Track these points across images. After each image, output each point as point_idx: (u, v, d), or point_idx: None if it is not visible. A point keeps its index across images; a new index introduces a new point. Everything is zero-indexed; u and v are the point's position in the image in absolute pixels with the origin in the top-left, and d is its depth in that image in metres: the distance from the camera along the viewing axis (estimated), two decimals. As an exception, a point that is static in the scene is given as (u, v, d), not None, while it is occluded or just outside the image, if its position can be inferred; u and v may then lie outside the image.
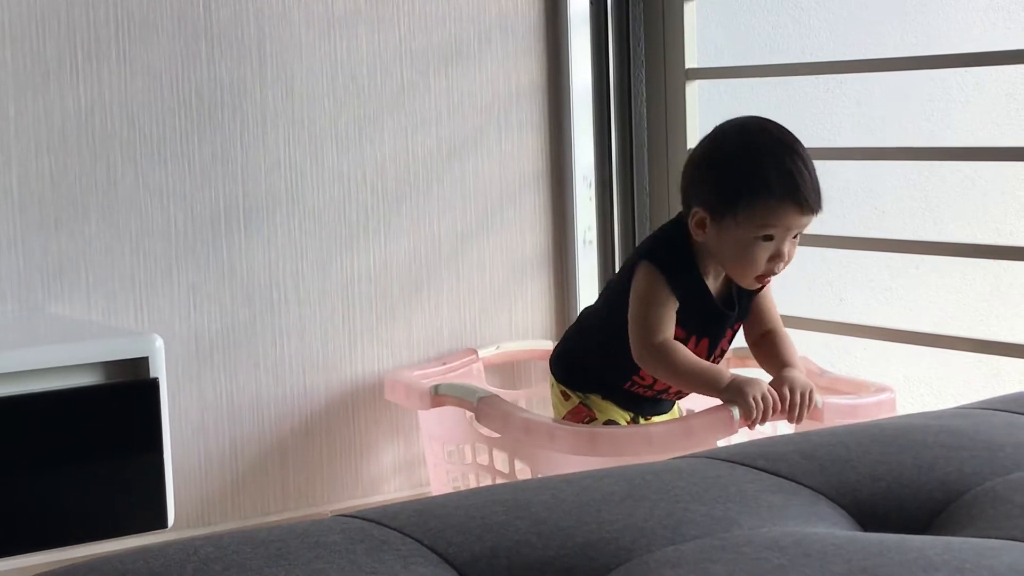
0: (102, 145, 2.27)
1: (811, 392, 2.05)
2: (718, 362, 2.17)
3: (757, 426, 2.03)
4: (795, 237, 2.05)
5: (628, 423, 2.18)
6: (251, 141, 2.40)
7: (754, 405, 2.00)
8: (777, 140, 2.05)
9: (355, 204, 2.50)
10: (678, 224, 2.12)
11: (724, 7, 2.83)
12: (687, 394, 2.20)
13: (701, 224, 2.05)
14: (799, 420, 2.05)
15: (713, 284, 2.11)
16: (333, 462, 2.52)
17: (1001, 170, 3.18)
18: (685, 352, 2.05)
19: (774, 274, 2.06)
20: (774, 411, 2.02)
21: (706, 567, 0.95)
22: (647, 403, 2.20)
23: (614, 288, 2.18)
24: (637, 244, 2.58)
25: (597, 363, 2.17)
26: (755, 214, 2.01)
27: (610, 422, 2.17)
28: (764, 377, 2.13)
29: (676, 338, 2.07)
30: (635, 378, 2.14)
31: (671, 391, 2.17)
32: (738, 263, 2.05)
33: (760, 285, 2.09)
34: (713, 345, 2.13)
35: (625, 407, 2.19)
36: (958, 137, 3.11)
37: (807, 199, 2.01)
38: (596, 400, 2.18)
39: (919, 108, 3.09)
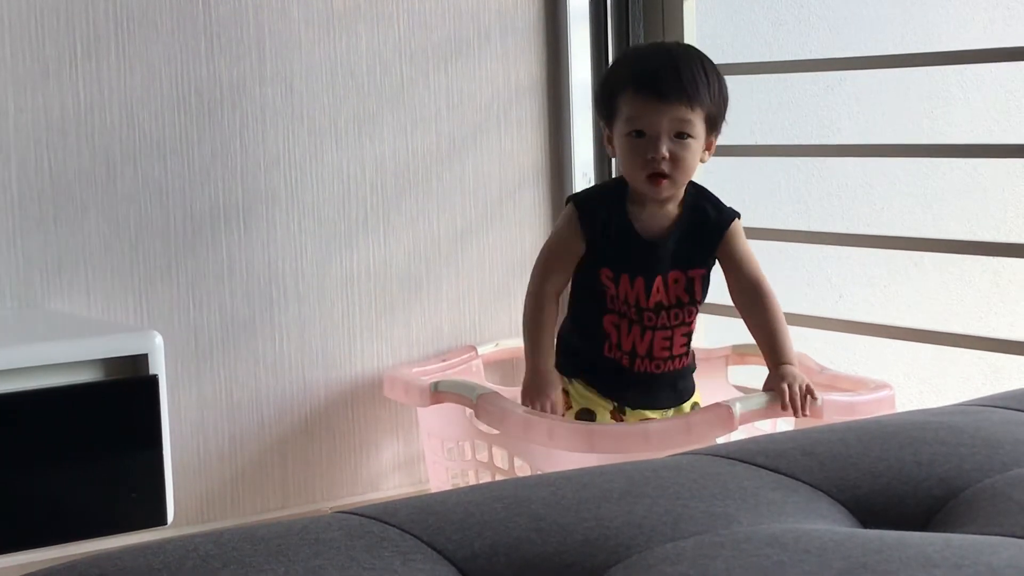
0: (101, 142, 2.27)
1: (809, 386, 2.06)
2: (680, 317, 2.12)
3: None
4: (680, 136, 2.05)
5: (611, 414, 2.17)
6: (250, 138, 2.40)
7: (530, 402, 2.12)
8: (653, 45, 2.18)
9: (354, 201, 2.50)
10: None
11: (724, 3, 2.83)
12: (666, 371, 2.16)
13: (608, 140, 2.14)
14: (801, 413, 2.05)
15: (648, 220, 2.10)
16: (332, 459, 2.52)
17: (1001, 167, 3.18)
18: (543, 319, 2.13)
19: (662, 174, 2.05)
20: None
21: (705, 564, 0.95)
22: (635, 385, 2.16)
23: None
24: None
25: (576, 339, 2.18)
26: (622, 111, 2.08)
27: (584, 411, 2.16)
28: (759, 376, 2.14)
29: (608, 277, 2.10)
30: (608, 344, 2.13)
31: (661, 365, 2.14)
32: (626, 166, 2.11)
33: (655, 188, 2.07)
34: (649, 284, 2.10)
35: (609, 392, 2.16)
36: (958, 134, 3.11)
37: (662, 85, 2.05)
38: (578, 388, 2.17)
39: (919, 105, 3.09)
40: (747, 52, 2.84)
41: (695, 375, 2.22)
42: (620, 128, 2.08)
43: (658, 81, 2.05)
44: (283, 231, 2.44)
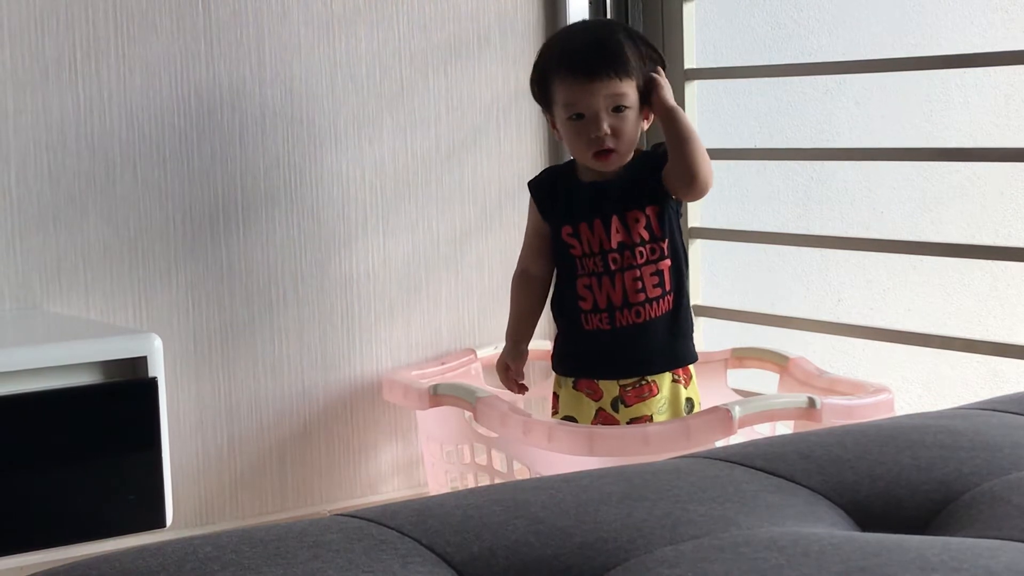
0: (101, 144, 2.27)
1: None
2: (644, 255, 2.14)
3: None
4: (618, 110, 2.09)
5: (596, 414, 2.17)
6: (250, 140, 2.40)
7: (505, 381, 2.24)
8: (574, 25, 2.23)
9: (354, 203, 2.50)
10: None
11: (723, 7, 2.83)
12: (665, 316, 2.15)
13: (553, 125, 2.19)
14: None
15: (596, 176, 2.17)
16: (331, 462, 2.52)
17: (999, 171, 3.18)
18: (522, 296, 2.24)
19: (606, 147, 2.11)
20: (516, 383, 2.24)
21: (704, 567, 0.95)
22: (624, 348, 2.14)
23: None
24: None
25: (559, 320, 2.24)
26: (557, 97, 2.13)
27: (567, 418, 2.18)
28: (759, 380, 2.13)
29: (569, 235, 2.16)
30: (583, 311, 2.16)
31: (641, 311, 2.13)
32: (571, 147, 2.17)
33: (603, 161, 2.13)
34: (607, 225, 2.14)
35: (603, 372, 2.16)
36: (957, 138, 3.11)
37: (587, 64, 2.09)
38: (566, 391, 2.20)
39: (918, 108, 3.09)
40: (747, 56, 2.85)
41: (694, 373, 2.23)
42: (559, 113, 2.14)
43: (585, 61, 2.10)
44: (282, 233, 2.44)
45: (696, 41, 2.69)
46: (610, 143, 2.10)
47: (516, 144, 2.67)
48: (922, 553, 0.96)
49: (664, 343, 2.16)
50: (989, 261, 3.02)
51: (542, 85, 2.17)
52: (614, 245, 2.13)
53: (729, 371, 2.53)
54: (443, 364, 2.57)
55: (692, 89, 2.67)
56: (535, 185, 2.24)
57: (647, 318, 2.14)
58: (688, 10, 2.66)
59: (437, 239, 2.60)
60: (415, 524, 1.04)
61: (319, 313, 2.48)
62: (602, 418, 2.17)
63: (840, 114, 2.99)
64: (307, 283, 2.47)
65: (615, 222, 2.14)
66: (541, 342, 2.69)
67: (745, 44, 2.86)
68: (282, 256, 2.44)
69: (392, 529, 1.03)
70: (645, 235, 2.14)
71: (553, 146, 2.70)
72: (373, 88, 2.51)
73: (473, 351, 2.62)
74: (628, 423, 2.15)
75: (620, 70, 2.09)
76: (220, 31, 2.36)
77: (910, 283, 3.10)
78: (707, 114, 2.75)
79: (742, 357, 2.52)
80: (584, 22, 2.34)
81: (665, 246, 2.15)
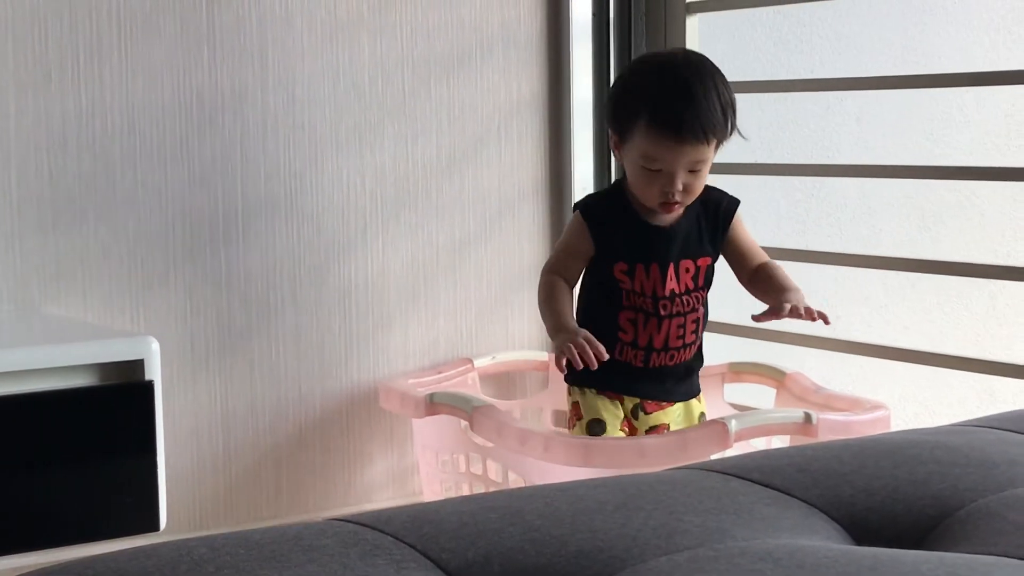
0: (102, 147, 2.27)
1: (819, 311, 2.06)
2: (690, 304, 2.15)
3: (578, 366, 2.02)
4: (694, 170, 2.07)
5: (624, 421, 2.17)
6: (251, 146, 2.40)
7: (575, 348, 2.00)
8: (673, 68, 2.08)
9: (354, 211, 2.50)
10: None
11: (726, 22, 2.83)
12: (679, 361, 2.17)
13: (616, 146, 2.14)
14: (812, 318, 2.04)
15: (653, 215, 2.14)
16: (326, 469, 2.52)
17: (999, 190, 3.19)
18: (558, 293, 2.12)
19: (674, 201, 2.08)
20: (599, 357, 2.00)
21: (699, 577, 0.95)
22: (650, 380, 2.17)
23: None
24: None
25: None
26: (638, 142, 2.07)
27: (594, 422, 2.16)
28: (755, 394, 2.13)
29: (622, 271, 2.12)
30: (618, 338, 2.14)
31: (656, 346, 2.14)
32: (637, 187, 2.11)
33: (667, 211, 2.11)
34: (664, 272, 2.12)
35: (625, 389, 2.17)
36: (957, 156, 3.12)
37: (681, 128, 2.03)
38: (589, 397, 2.18)
39: (919, 127, 3.10)
40: (748, 70, 2.85)
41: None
42: (633, 155, 2.08)
43: (676, 121, 2.03)
44: (282, 239, 2.44)
45: (698, 55, 2.70)
46: (679, 198, 2.08)
47: (517, 155, 2.67)
48: (917, 568, 0.96)
49: (684, 379, 2.21)
50: (987, 280, 3.03)
51: (621, 118, 2.10)
52: (666, 292, 2.13)
53: (726, 385, 2.53)
54: (440, 373, 2.57)
55: (693, 103, 2.67)
56: (588, 212, 2.15)
57: (678, 361, 2.19)
58: (691, 24, 2.66)
59: (436, 248, 2.60)
60: (410, 530, 1.04)
61: (317, 320, 2.48)
62: (624, 423, 2.19)
63: (841, 131, 3.00)
64: (305, 289, 2.47)
65: (671, 269, 2.13)
66: (538, 352, 2.69)
67: (747, 59, 2.87)
68: (281, 262, 2.44)
69: (387, 534, 1.03)
70: (691, 285, 2.16)
71: (555, 158, 2.70)
72: (375, 96, 2.51)
73: (470, 360, 2.62)
74: (647, 431, 2.17)
75: (709, 136, 2.04)
76: (223, 36, 2.36)
77: (908, 300, 3.10)
78: (708, 128, 2.75)
79: (739, 371, 2.52)
80: (677, 61, 2.10)
81: (705, 295, 2.18)
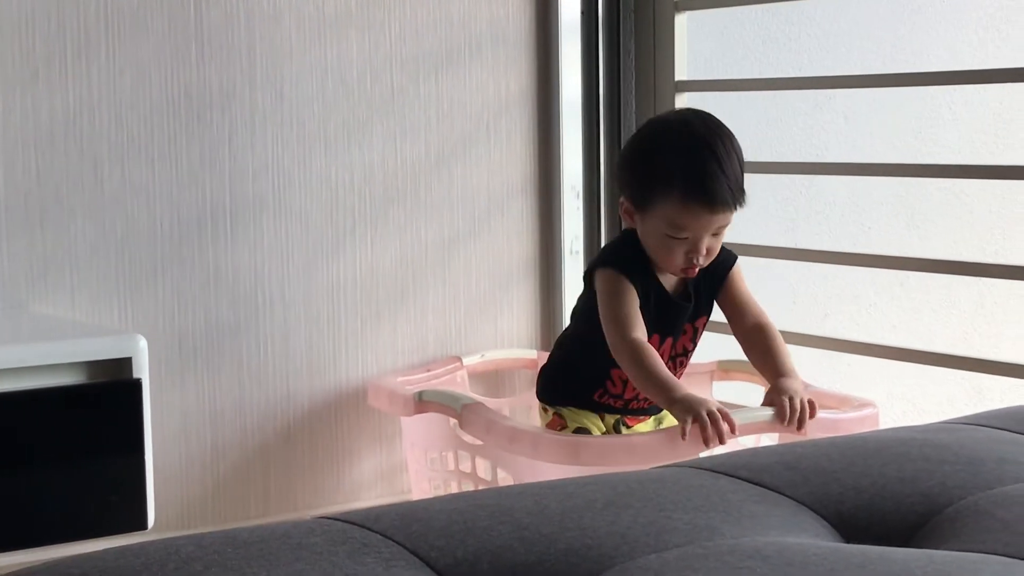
0: (89, 144, 2.27)
1: (810, 400, 2.04)
2: (684, 363, 2.18)
3: (712, 445, 1.95)
4: (716, 234, 2.06)
5: (607, 431, 2.19)
6: (239, 143, 2.39)
7: (707, 420, 1.93)
8: (695, 135, 2.05)
9: (342, 209, 2.50)
10: (627, 229, 2.16)
11: (714, 20, 2.83)
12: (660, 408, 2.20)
13: (629, 213, 2.10)
14: (800, 428, 2.02)
15: (666, 280, 2.13)
16: (315, 467, 2.51)
17: (987, 188, 3.19)
18: (654, 355, 2.04)
19: (696, 266, 2.07)
20: (731, 430, 1.95)
21: (688, 575, 0.95)
22: (627, 415, 2.21)
23: (577, 304, 2.24)
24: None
25: (567, 377, 2.21)
26: (664, 211, 2.04)
27: (580, 429, 2.18)
28: (744, 392, 2.14)
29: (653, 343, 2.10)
30: (604, 387, 2.16)
31: (640, 398, 2.16)
32: (658, 254, 2.08)
33: (687, 275, 2.10)
34: (675, 344, 2.14)
35: (604, 412, 2.20)
36: (945, 154, 3.12)
37: (715, 198, 2.01)
38: (570, 411, 2.20)
39: (907, 125, 3.10)
40: (737, 69, 2.85)
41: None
42: (657, 223, 2.05)
43: (710, 191, 2.00)
44: (270, 237, 2.43)
45: (686, 53, 2.70)
46: (703, 263, 2.07)
47: (505, 152, 2.67)
48: (906, 565, 0.96)
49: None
50: (975, 278, 3.03)
51: (644, 184, 2.06)
52: (668, 357, 2.13)
53: (715, 383, 2.53)
54: (429, 371, 2.56)
55: (682, 101, 2.67)
56: (626, 269, 2.08)
57: (651, 413, 2.22)
58: (680, 22, 2.66)
59: (425, 246, 2.59)
60: (399, 528, 1.04)
61: (305, 318, 2.48)
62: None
63: (829, 129, 3.00)
64: (294, 287, 2.46)
65: (676, 338, 2.15)
66: (527, 351, 2.69)
67: (736, 57, 2.87)
68: (269, 260, 2.44)
69: (376, 532, 1.03)
70: (689, 347, 2.18)
71: (543, 155, 2.70)
72: (363, 93, 2.50)
73: (459, 359, 2.62)
74: None
75: (738, 203, 2.04)
76: (211, 33, 2.35)
77: (896, 299, 3.11)
78: (697, 126, 2.75)
79: (728, 369, 2.52)
80: (696, 127, 2.07)
81: (695, 349, 2.20)
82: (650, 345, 2.06)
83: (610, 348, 2.07)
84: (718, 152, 2.03)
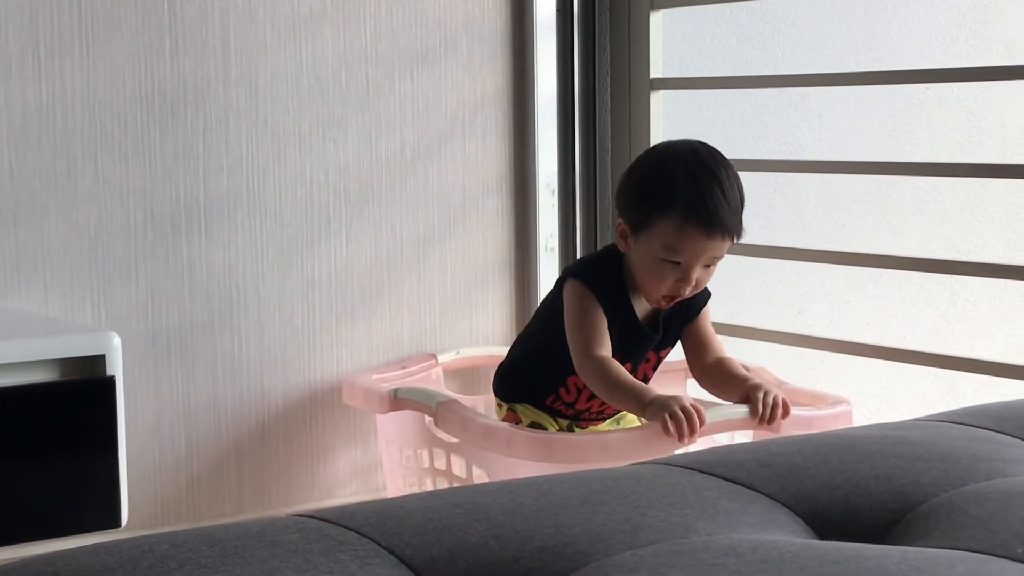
0: (62, 140, 2.26)
1: (785, 400, 2.05)
2: None
3: (687, 441, 1.97)
4: (709, 265, 2.06)
5: (561, 431, 2.20)
6: (213, 140, 2.39)
7: (682, 416, 1.95)
8: (699, 163, 2.05)
9: (317, 206, 2.50)
10: (613, 246, 2.15)
11: (689, 18, 2.84)
12: (608, 415, 2.22)
13: (624, 235, 2.09)
14: (771, 422, 2.03)
15: (639, 307, 2.13)
16: (289, 465, 2.51)
17: (960, 186, 3.21)
18: (620, 369, 2.06)
19: (680, 296, 2.08)
20: (700, 423, 1.96)
21: (663, 572, 0.95)
22: (579, 420, 2.23)
23: (542, 306, 2.26)
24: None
25: (522, 379, 2.22)
26: (662, 232, 2.03)
27: (535, 425, 2.19)
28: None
29: None
30: (557, 394, 2.18)
31: (592, 411, 2.18)
32: (646, 279, 2.07)
33: (665, 305, 2.10)
34: (635, 369, 2.15)
35: (556, 415, 2.22)
36: (919, 153, 3.13)
37: (713, 223, 2.01)
38: (524, 407, 2.22)
39: (881, 123, 3.11)
40: (711, 67, 2.86)
41: (654, 382, 2.24)
42: (652, 245, 2.04)
43: (710, 215, 2.01)
44: (244, 234, 2.43)
45: (661, 51, 2.70)
46: (688, 293, 2.07)
47: (481, 149, 2.66)
48: (880, 562, 0.97)
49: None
50: (949, 276, 3.05)
51: (644, 204, 2.05)
52: None
53: (689, 380, 2.53)
54: (404, 368, 2.56)
55: (657, 99, 2.68)
56: (594, 286, 2.09)
57: (599, 419, 2.23)
58: (654, 20, 2.67)
59: (400, 243, 2.59)
60: (374, 525, 1.04)
61: (280, 315, 2.47)
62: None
63: (803, 127, 3.01)
64: (268, 285, 2.46)
65: (631, 364, 2.15)
66: (502, 348, 2.69)
67: (710, 55, 2.87)
68: (243, 257, 2.43)
69: (351, 530, 1.03)
70: (649, 374, 2.19)
71: (519, 153, 2.70)
72: (339, 90, 2.50)
73: (434, 356, 2.62)
74: None
75: (735, 235, 2.04)
76: (185, 29, 2.34)
77: (870, 296, 3.12)
78: (670, 124, 2.75)
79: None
80: (703, 154, 2.07)
81: (654, 375, 2.21)
82: (615, 361, 2.07)
83: (574, 363, 2.08)
84: (722, 181, 2.04)
